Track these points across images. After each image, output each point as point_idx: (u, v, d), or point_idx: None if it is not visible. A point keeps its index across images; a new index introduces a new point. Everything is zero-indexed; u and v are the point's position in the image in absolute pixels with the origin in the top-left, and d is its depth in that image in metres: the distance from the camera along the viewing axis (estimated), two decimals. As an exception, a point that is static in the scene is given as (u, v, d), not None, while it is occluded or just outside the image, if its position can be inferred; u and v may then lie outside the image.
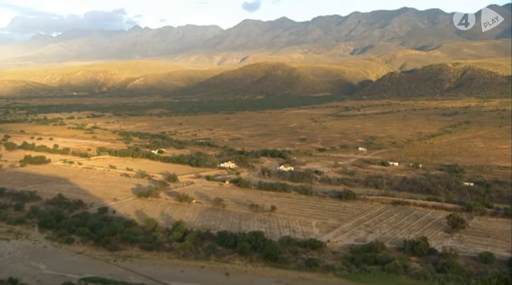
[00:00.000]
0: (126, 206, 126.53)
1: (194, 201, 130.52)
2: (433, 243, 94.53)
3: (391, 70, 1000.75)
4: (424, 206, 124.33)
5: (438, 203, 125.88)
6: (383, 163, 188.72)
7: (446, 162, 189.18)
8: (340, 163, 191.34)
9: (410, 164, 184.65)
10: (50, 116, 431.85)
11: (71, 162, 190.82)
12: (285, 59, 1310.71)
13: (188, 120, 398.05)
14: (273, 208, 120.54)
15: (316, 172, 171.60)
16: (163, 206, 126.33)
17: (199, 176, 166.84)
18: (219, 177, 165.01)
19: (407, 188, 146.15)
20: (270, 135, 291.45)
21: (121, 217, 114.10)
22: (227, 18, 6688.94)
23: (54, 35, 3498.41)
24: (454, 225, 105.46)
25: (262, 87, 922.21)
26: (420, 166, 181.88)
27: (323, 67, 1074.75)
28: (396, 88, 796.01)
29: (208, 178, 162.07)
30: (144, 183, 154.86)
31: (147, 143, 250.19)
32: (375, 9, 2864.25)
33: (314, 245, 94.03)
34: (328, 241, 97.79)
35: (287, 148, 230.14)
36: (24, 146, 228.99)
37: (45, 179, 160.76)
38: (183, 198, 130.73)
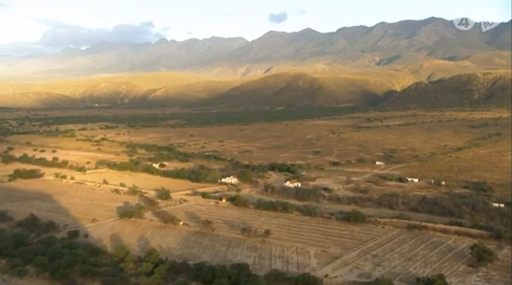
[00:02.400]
0: (103, 228, 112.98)
1: (181, 223, 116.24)
2: (453, 282, 78.99)
3: (418, 81, 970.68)
4: (444, 231, 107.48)
5: (462, 229, 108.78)
6: (401, 179, 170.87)
7: (473, 179, 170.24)
8: (353, 178, 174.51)
9: (432, 181, 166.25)
10: (63, 127, 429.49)
11: (63, 177, 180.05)
12: (308, 70, 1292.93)
13: (201, 132, 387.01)
14: (267, 232, 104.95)
15: (325, 189, 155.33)
16: (144, 229, 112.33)
17: (195, 193, 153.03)
18: (217, 194, 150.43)
19: (427, 210, 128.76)
20: (282, 147, 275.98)
21: (90, 243, 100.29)
22: (253, 30, 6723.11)
23: (83, 48, 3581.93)
24: (480, 257, 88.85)
25: (283, 97, 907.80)
26: (443, 183, 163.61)
27: (346, 77, 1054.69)
28: (422, 98, 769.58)
29: (204, 195, 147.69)
30: (134, 200, 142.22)
31: (152, 156, 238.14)
32: (402, 19, 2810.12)
33: (307, 281, 79.56)
34: (326, 276, 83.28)
35: (298, 162, 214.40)
36: (22, 159, 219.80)
37: (29, 195, 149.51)
38: (168, 220, 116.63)
